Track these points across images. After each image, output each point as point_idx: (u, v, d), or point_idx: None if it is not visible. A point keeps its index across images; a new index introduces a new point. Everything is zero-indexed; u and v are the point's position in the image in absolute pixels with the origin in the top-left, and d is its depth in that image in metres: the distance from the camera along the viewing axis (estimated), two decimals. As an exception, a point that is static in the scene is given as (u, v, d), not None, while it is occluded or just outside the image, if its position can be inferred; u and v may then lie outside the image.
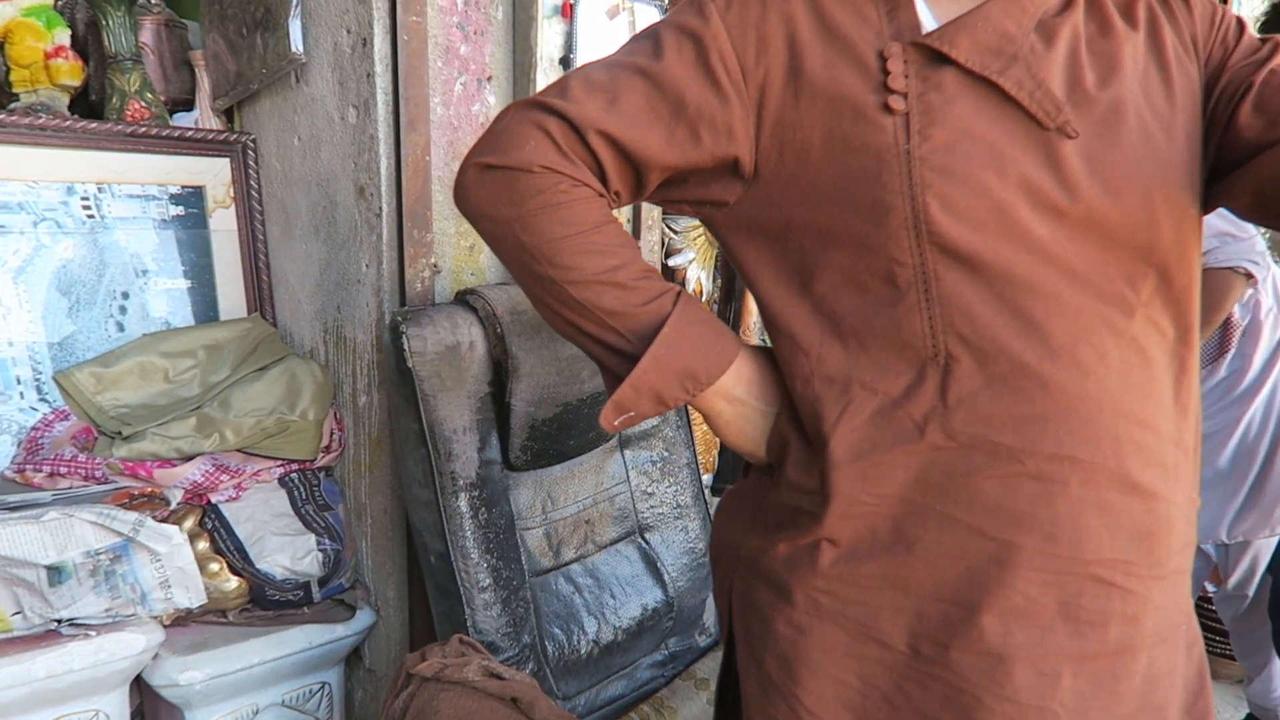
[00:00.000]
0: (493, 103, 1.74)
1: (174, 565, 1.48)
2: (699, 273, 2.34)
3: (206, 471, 1.61)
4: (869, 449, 0.83)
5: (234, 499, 1.65)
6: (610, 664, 1.73)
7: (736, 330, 2.38)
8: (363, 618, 1.71)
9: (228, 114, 2.12)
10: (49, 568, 1.36)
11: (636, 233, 1.96)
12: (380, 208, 1.62)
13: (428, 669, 1.30)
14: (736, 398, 0.92)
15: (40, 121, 1.74)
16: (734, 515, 1.01)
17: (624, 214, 1.95)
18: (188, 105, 2.15)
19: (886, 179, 0.80)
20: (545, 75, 1.73)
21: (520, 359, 1.53)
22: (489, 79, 1.73)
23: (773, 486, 0.93)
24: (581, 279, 0.85)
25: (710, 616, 1.90)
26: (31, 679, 1.38)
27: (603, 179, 0.86)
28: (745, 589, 0.94)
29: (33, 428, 1.68)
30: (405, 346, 1.45)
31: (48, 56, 1.89)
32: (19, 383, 1.69)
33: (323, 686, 1.73)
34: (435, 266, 1.68)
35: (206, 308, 1.92)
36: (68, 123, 1.77)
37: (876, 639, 0.85)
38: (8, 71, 1.94)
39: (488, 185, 0.86)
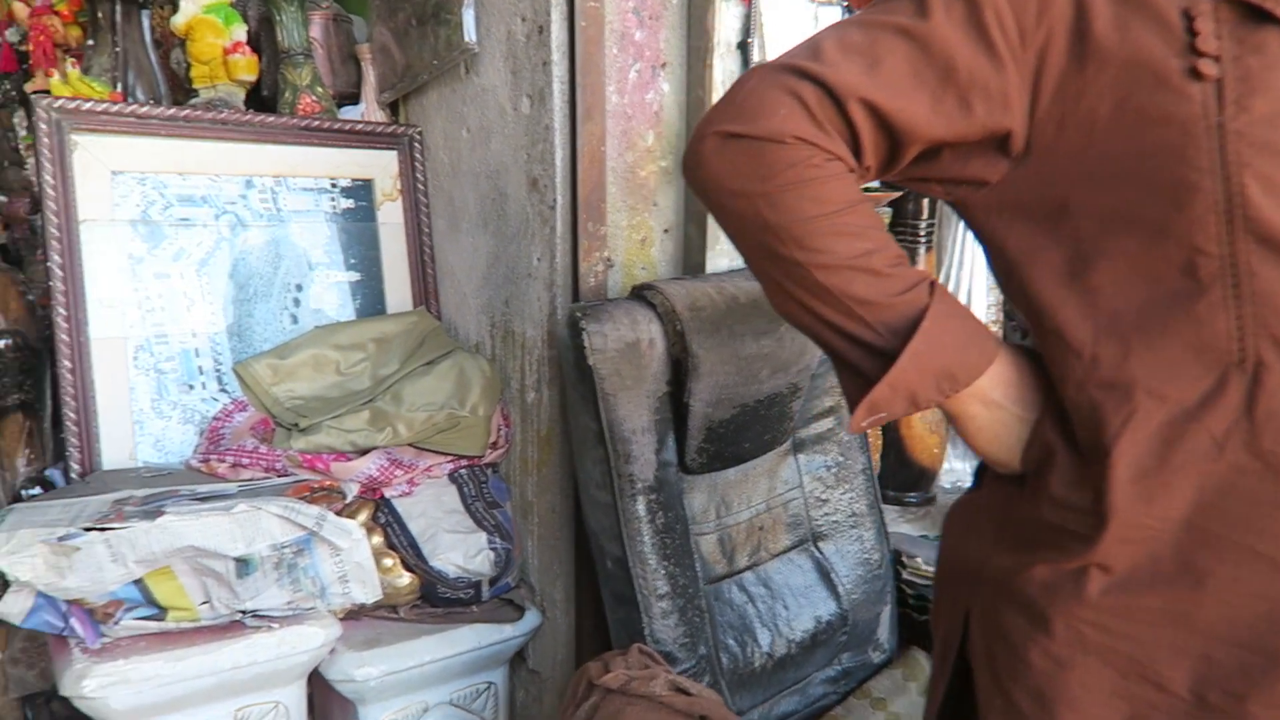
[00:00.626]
0: (666, 90, 1.67)
1: (352, 560, 1.47)
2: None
3: (381, 466, 1.60)
4: (1156, 466, 0.73)
5: (406, 494, 1.64)
6: (783, 678, 1.65)
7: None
8: (530, 618, 1.68)
9: (392, 107, 2.13)
10: (237, 560, 1.37)
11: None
12: (554, 200, 1.58)
13: (613, 680, 1.25)
14: (993, 401, 0.82)
15: (223, 116, 1.77)
16: (972, 529, 0.91)
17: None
18: (353, 99, 2.16)
19: (1192, 155, 0.69)
20: (722, 61, 1.66)
21: (700, 357, 1.46)
22: (663, 66, 1.66)
23: (1024, 499, 0.83)
24: (832, 263, 0.77)
25: (884, 631, 1.80)
26: (218, 669, 1.39)
27: (856, 152, 0.78)
28: (989, 612, 0.85)
29: (214, 418, 1.71)
30: (586, 343, 1.40)
31: (226, 52, 1.92)
32: (201, 373, 1.72)
33: (489, 686, 1.71)
34: (609, 260, 1.62)
35: (374, 300, 1.92)
36: (247, 116, 1.80)
37: (1153, 681, 0.75)
38: (188, 68, 1.99)
39: (730, 156, 0.79)
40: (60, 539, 1.28)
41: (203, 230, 1.74)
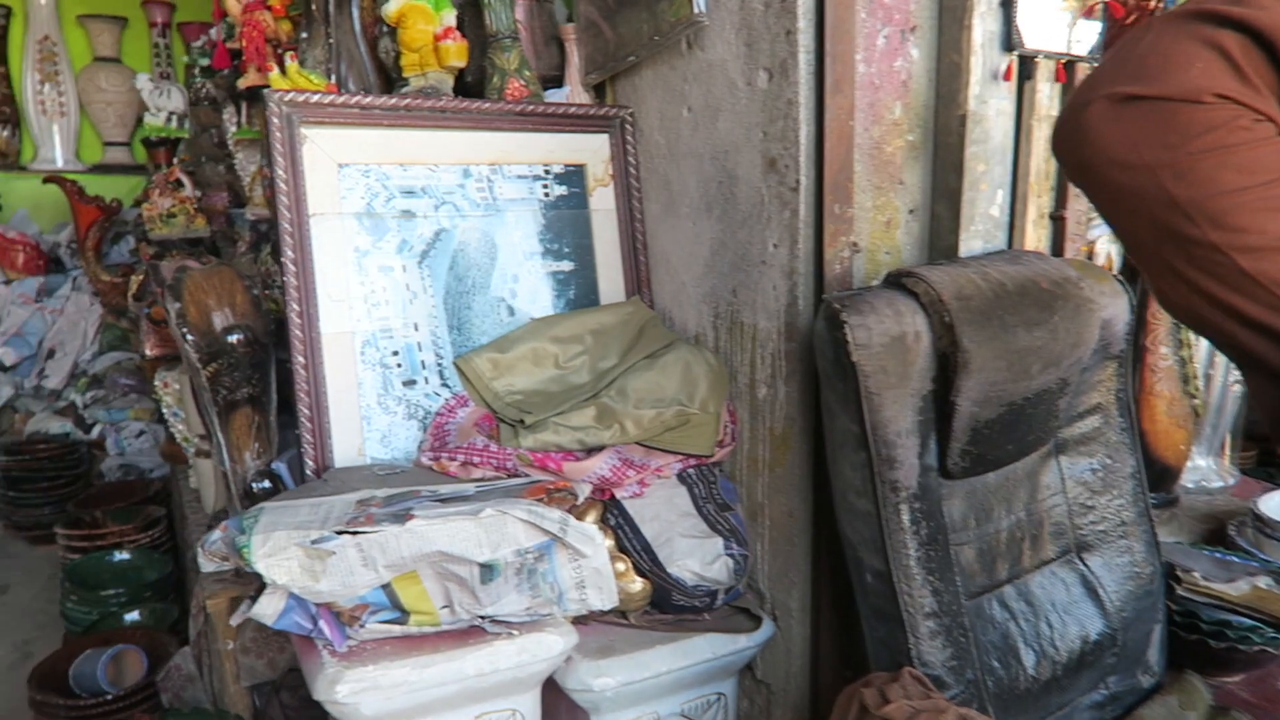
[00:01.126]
0: (915, 57, 1.52)
1: (591, 566, 1.40)
2: (1109, 246, 2.02)
3: (614, 466, 1.52)
4: None
5: (637, 495, 1.56)
6: (1048, 703, 1.49)
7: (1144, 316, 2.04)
8: (765, 629, 1.57)
9: (597, 89, 2.05)
10: (482, 565, 1.32)
11: (1023, 197, 1.66)
12: (796, 181, 1.46)
13: (897, 713, 1.13)
14: None
15: (441, 104, 1.72)
16: None
17: (1000, 178, 1.66)
18: (556, 82, 2.10)
19: None
20: (982, 21, 1.49)
21: (971, 352, 1.31)
22: (913, 30, 1.51)
23: None
24: (1262, 245, 0.63)
25: (1155, 653, 1.61)
26: (462, 676, 1.34)
27: None
28: None
29: (437, 413, 1.67)
30: (848, 338, 1.27)
31: (437, 39, 1.88)
32: (424, 367, 1.69)
33: (719, 698, 1.62)
34: (855, 245, 1.49)
35: (587, 291, 1.85)
36: (465, 104, 1.75)
37: None
38: (396, 56, 1.96)
39: (1127, 122, 0.65)
40: (314, 542, 1.25)
41: (423, 222, 1.70)
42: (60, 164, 4.70)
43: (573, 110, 1.86)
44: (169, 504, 2.96)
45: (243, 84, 2.20)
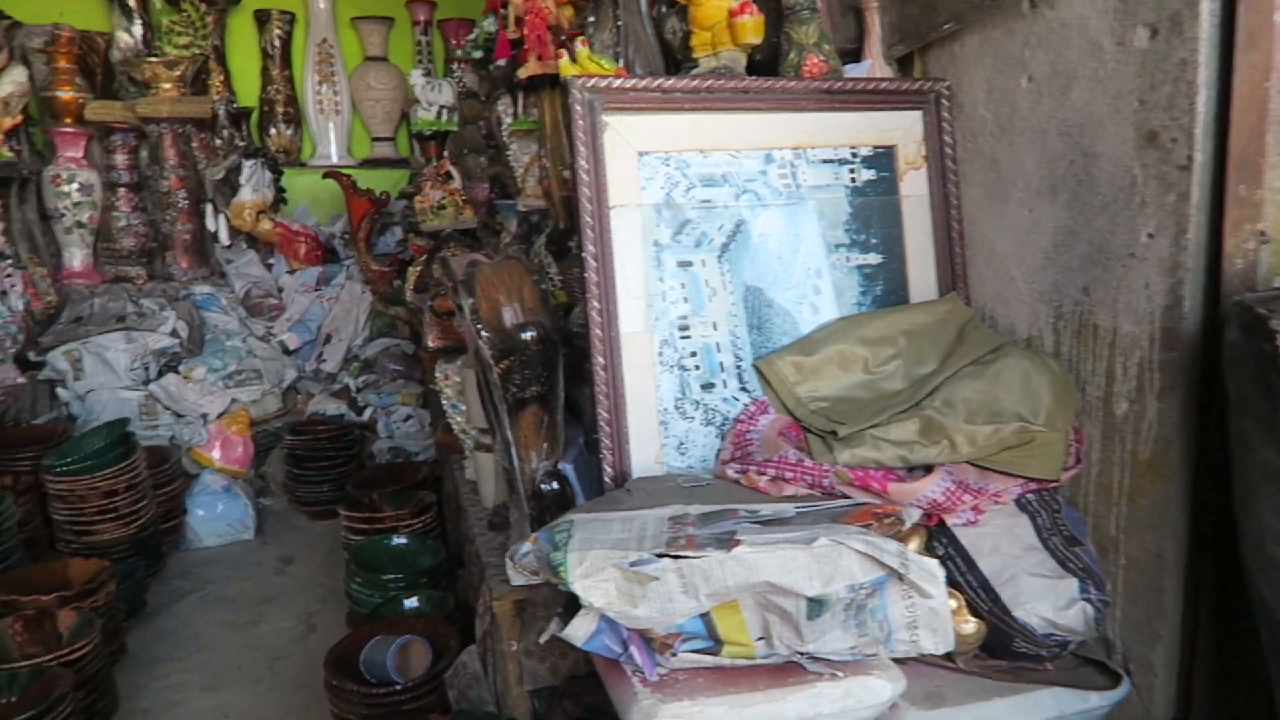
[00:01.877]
0: (1346, -1, 1.22)
1: (927, 606, 1.22)
2: None
3: (947, 490, 1.34)
4: None
5: (971, 524, 1.37)
6: None
7: None
8: (1122, 687, 1.34)
9: (901, 62, 1.85)
10: (810, 599, 1.17)
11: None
12: (1187, 157, 1.21)
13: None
14: None
15: (744, 84, 1.59)
16: None
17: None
18: (852, 56, 1.91)
19: None
20: None
21: None
22: (1345, -35, 1.21)
23: None
24: None
25: None
26: (781, 718, 1.21)
27: None
28: None
29: (737, 420, 1.55)
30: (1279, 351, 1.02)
31: (732, 15, 1.74)
32: (722, 370, 1.57)
33: (1060, 760, 1.40)
34: (1261, 234, 1.22)
35: (895, 286, 1.67)
36: (768, 83, 1.60)
37: None
38: (684, 36, 1.84)
39: None
40: (633, 565, 1.16)
41: (723, 212, 1.58)
42: (335, 159, 5.01)
43: (883, 86, 1.67)
44: (438, 490, 3.05)
45: (523, 74, 2.17)
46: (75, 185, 4.21)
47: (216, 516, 3.56)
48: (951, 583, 1.34)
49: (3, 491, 2.71)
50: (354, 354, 4.30)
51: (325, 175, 4.39)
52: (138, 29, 4.51)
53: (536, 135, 2.36)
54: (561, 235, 2.28)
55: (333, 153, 5.03)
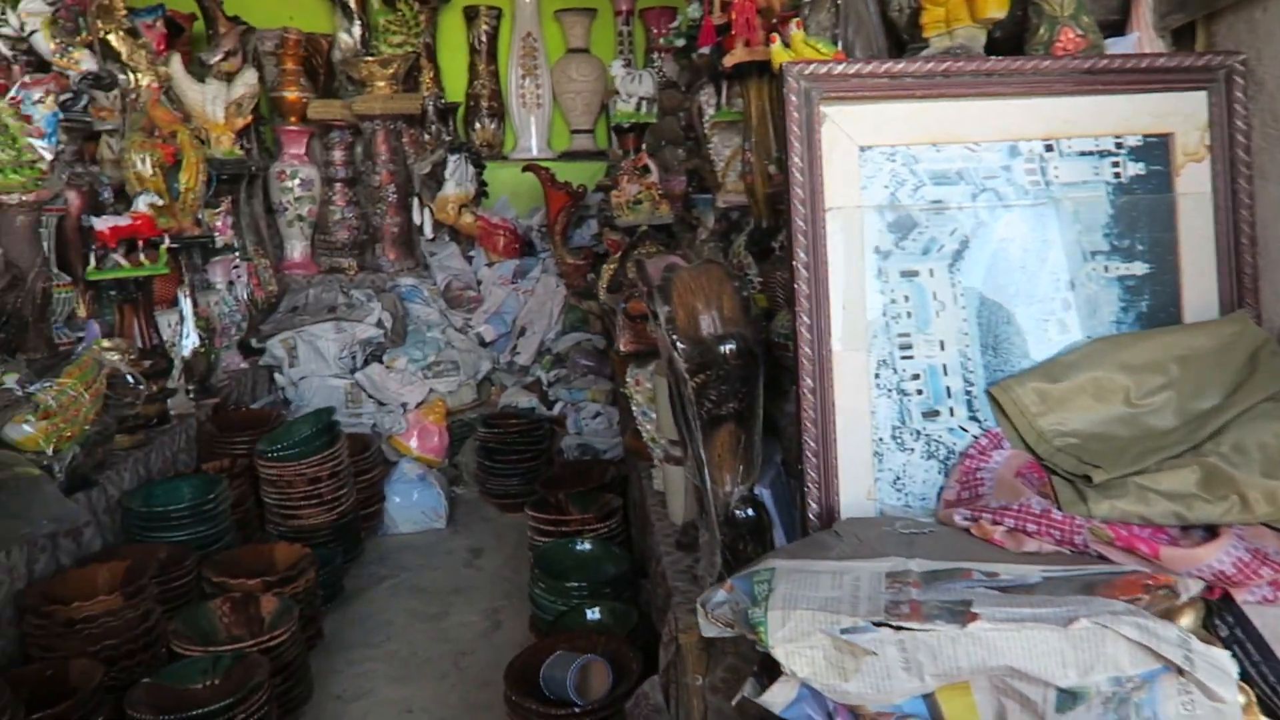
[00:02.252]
0: None
1: (1210, 706, 0.98)
2: None
3: (1239, 559, 1.09)
4: None
5: (1269, 601, 1.10)
6: None
7: None
8: None
9: (1176, 35, 1.56)
10: (1063, 691, 0.97)
11: None
12: None
13: None
14: None
15: (987, 65, 1.37)
16: None
17: None
18: (1114, 29, 1.64)
19: None
20: None
21: None
22: None
23: None
24: None
25: None
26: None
27: None
28: None
29: (965, 454, 1.34)
30: None
31: (973, -14, 1.52)
32: (948, 395, 1.36)
33: None
34: None
35: (1165, 302, 1.40)
36: (1016, 64, 1.38)
37: None
38: (913, 14, 1.63)
39: None
40: (844, 632, 0.99)
41: (957, 215, 1.37)
42: (535, 152, 5.05)
43: (1160, 63, 1.40)
44: (624, 494, 2.97)
45: (728, 61, 2.02)
46: (297, 180, 4.43)
47: (412, 504, 3.64)
48: (1243, 675, 1.09)
49: (219, 475, 2.85)
50: (546, 347, 4.31)
51: (525, 169, 4.42)
52: (357, 29, 4.70)
53: (740, 127, 2.21)
54: (764, 234, 2.12)
55: (533, 146, 5.08)
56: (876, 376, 1.36)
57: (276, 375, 3.99)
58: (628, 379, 2.29)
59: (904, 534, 1.22)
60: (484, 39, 4.97)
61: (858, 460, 1.35)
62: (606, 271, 2.74)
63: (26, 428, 2.35)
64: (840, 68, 1.34)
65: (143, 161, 3.25)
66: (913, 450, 1.36)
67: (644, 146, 3.28)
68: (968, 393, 1.37)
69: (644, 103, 3.46)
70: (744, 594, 1.11)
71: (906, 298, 1.37)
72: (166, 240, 3.15)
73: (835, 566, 1.12)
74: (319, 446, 3.08)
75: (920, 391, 1.36)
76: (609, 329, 3.55)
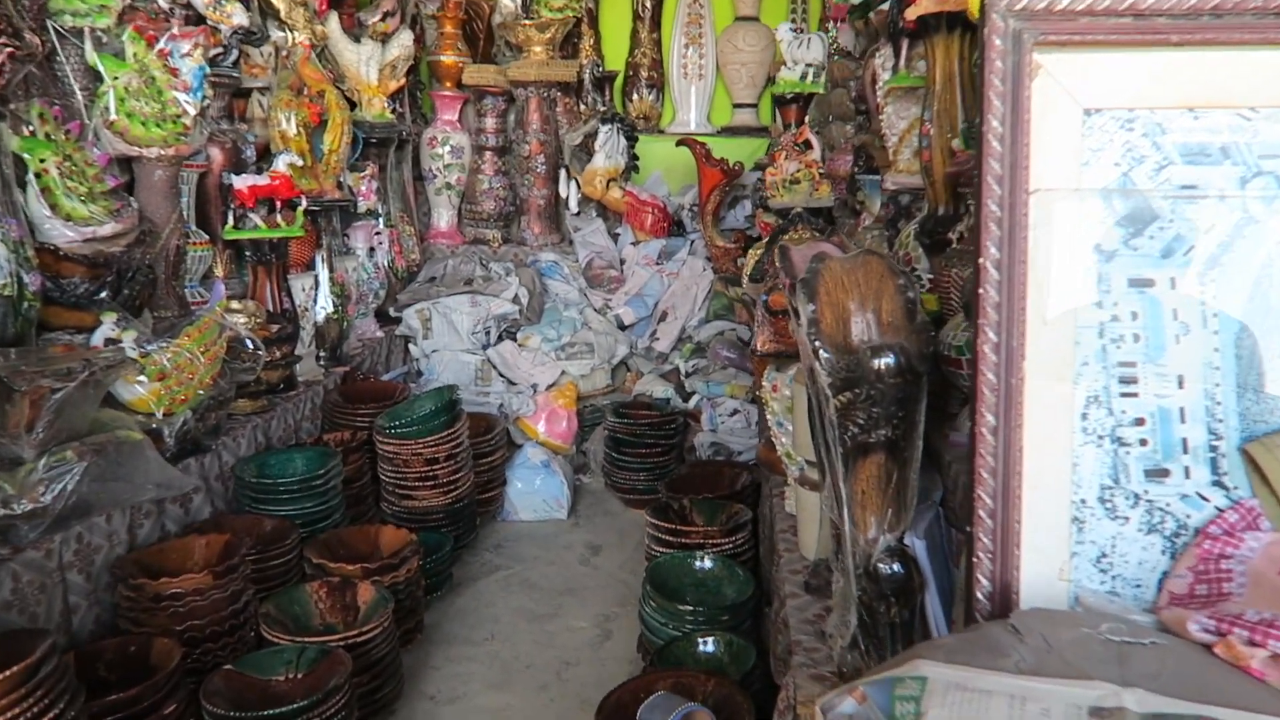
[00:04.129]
0: None
1: None
2: None
3: None
4: None
5: None
6: None
7: None
8: None
9: None
10: None
11: None
12: None
13: None
14: None
15: (1274, 4, 0.99)
16: None
17: None
18: None
19: None
20: None
21: None
22: None
23: None
24: None
25: None
26: None
27: None
28: None
29: (1203, 533, 0.99)
30: None
31: (1251, -97, 1.13)
32: (1184, 450, 1.01)
33: None
34: None
35: None
36: (1320, 1, 1.00)
37: None
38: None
39: None
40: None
41: (1217, 206, 1.01)
42: (693, 127, 4.78)
43: None
44: (755, 506, 2.67)
45: (911, 14, 1.68)
46: (448, 148, 4.33)
47: (534, 491, 3.47)
48: None
49: (335, 449, 2.74)
50: (687, 335, 4.04)
51: (679, 143, 4.15)
52: (519, -7, 4.54)
53: (919, 95, 1.86)
54: (939, 223, 1.78)
55: (691, 119, 4.81)
56: (1084, 417, 1.02)
57: (410, 346, 3.90)
58: (764, 382, 1.99)
59: (1113, 642, 0.89)
60: (649, 4, 4.72)
61: (1049, 526, 1.02)
62: (751, 257, 2.44)
63: (138, 388, 2.28)
64: (1065, 2, 1.00)
65: (287, 120, 3.18)
66: (1127, 519, 1.02)
67: (806, 120, 2.95)
68: (1213, 448, 1.01)
69: (811, 71, 3.11)
70: (880, 708, 0.82)
71: (1134, 314, 1.02)
72: (304, 202, 3.07)
73: (1013, 686, 0.81)
74: (438, 426, 2.94)
75: (1144, 442, 1.02)
76: (752, 321, 3.26)
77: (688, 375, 3.81)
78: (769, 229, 3.57)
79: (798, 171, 2.84)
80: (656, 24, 4.80)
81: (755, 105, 4.83)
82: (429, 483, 2.93)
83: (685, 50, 4.74)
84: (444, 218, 4.46)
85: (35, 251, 2.23)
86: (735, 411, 3.48)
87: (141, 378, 2.28)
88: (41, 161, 2.37)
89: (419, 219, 4.41)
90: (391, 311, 3.90)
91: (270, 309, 2.98)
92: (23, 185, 2.32)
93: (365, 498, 2.95)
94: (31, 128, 2.39)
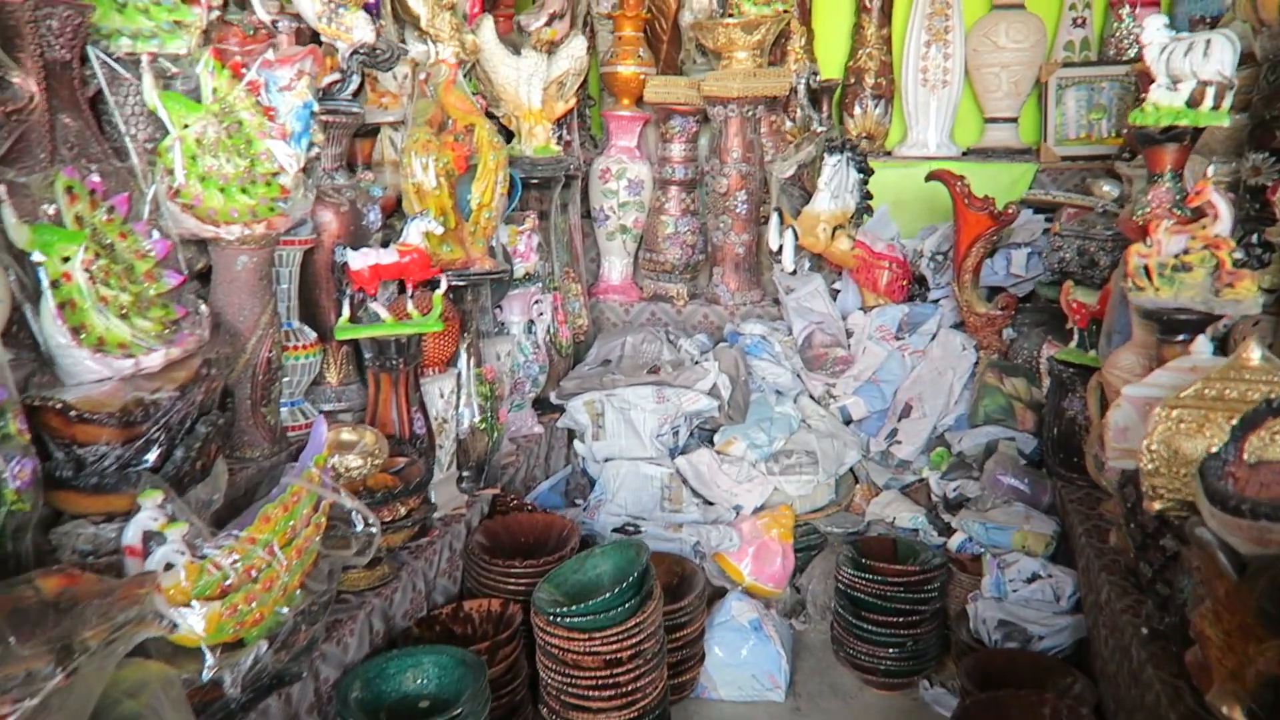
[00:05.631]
0: None
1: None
2: None
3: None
4: None
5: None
6: None
7: None
8: None
9: None
10: None
11: None
12: None
13: None
14: None
15: None
16: None
17: None
18: None
19: None
20: None
21: None
22: None
23: None
24: None
25: None
26: None
27: None
28: None
29: None
30: None
31: None
32: None
33: None
34: None
35: None
36: None
37: None
38: None
39: None
40: None
41: None
42: (931, 148, 3.74)
43: None
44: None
45: None
46: (624, 182, 3.45)
47: (740, 663, 2.54)
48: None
49: (477, 662, 1.88)
50: (938, 434, 3.02)
51: (929, 177, 3.13)
52: (713, -16, 3.60)
53: None
54: None
55: (930, 139, 3.75)
56: None
57: (577, 442, 3.04)
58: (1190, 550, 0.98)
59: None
60: (879, -7, 3.70)
61: None
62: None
63: (188, 615, 1.49)
64: None
65: (424, 168, 2.35)
66: None
67: (1208, 173, 1.87)
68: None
69: (1211, 92, 1.99)
70: None
71: None
72: (445, 282, 2.24)
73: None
74: (621, 614, 2.05)
75: None
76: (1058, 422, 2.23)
77: (948, 504, 2.79)
78: (1084, 317, 2.52)
79: (1188, 254, 1.80)
80: (887, 17, 3.76)
81: (1015, 120, 3.73)
82: (608, 691, 2.05)
83: (926, 49, 3.69)
84: (616, 268, 3.59)
85: (35, 415, 1.46)
86: (1035, 577, 2.43)
87: (192, 603, 1.49)
88: (65, 262, 1.61)
89: (586, 269, 3.56)
90: (553, 398, 3.05)
91: (397, 432, 2.18)
92: (35, 298, 1.57)
93: (520, 706, 2.11)
94: (55, 207, 1.64)
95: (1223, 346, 1.98)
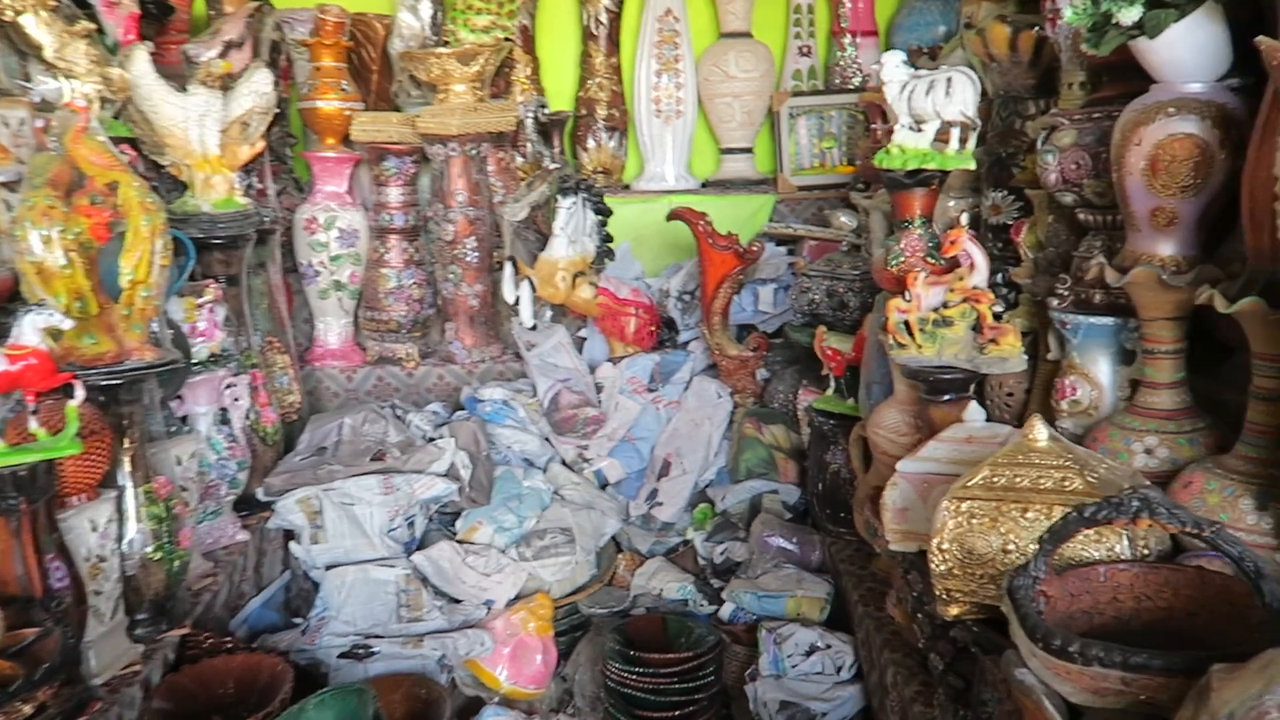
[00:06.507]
0: None
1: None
2: None
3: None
4: None
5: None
6: None
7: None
8: None
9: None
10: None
11: None
12: None
13: None
14: None
15: None
16: None
17: None
18: None
19: None
20: None
21: None
22: None
23: None
24: None
25: None
26: None
27: None
28: None
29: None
30: None
31: None
32: None
33: None
34: None
35: None
36: None
37: None
38: None
39: None
40: None
41: None
42: (670, 181, 3.57)
43: None
44: None
45: None
46: (335, 232, 3.03)
47: (504, 789, 2.21)
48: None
49: None
50: (703, 492, 2.83)
51: (671, 216, 2.94)
52: (425, 8, 3.24)
53: None
54: None
55: (668, 172, 3.58)
56: None
57: (293, 544, 2.57)
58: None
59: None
60: (603, 18, 3.46)
61: None
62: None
63: None
64: None
65: (46, 242, 1.83)
66: None
67: (961, 219, 1.74)
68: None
69: (956, 133, 1.82)
70: None
71: None
72: (80, 391, 1.74)
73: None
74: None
75: None
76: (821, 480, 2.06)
77: (716, 570, 2.58)
78: (839, 364, 2.39)
79: (948, 308, 1.67)
80: (615, 45, 3.55)
81: (751, 150, 3.64)
82: None
83: (657, 78, 3.51)
84: (334, 330, 3.14)
85: None
86: (814, 649, 2.25)
87: None
88: None
89: (297, 332, 3.08)
90: (260, 495, 2.57)
91: (22, 591, 1.65)
92: None
93: None
94: None
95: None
